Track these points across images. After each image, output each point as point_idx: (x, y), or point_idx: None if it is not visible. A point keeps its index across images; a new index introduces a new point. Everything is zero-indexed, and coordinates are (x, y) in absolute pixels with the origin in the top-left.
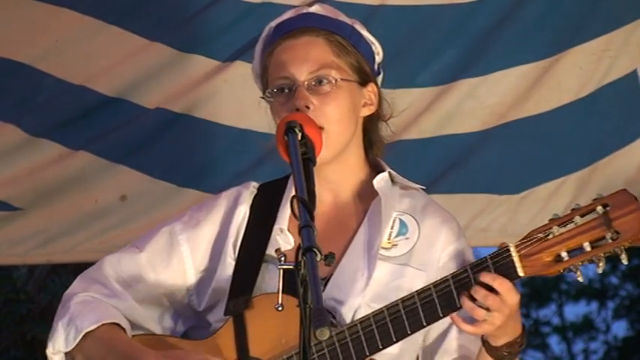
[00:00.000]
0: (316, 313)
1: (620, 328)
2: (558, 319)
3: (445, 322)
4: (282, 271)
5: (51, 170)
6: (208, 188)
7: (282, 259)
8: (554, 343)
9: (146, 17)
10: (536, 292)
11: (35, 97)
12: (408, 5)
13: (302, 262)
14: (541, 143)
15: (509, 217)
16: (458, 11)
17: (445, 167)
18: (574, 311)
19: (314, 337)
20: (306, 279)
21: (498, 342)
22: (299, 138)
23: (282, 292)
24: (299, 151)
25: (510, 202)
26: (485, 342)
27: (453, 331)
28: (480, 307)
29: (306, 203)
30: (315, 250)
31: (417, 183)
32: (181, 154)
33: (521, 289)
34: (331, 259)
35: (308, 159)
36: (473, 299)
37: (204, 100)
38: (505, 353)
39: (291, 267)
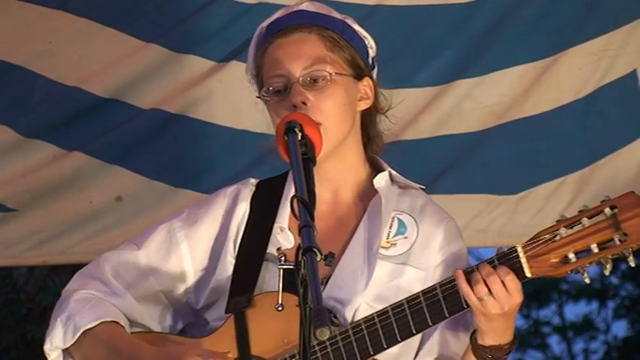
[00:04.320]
0: (316, 313)
1: (620, 328)
2: (558, 319)
3: None
4: (282, 270)
5: (45, 171)
6: (204, 189)
7: (282, 258)
8: (554, 343)
9: (140, 18)
10: (536, 292)
11: (29, 99)
12: (405, 5)
13: (302, 262)
14: (540, 143)
15: (508, 218)
16: (456, 11)
17: (443, 168)
18: (574, 311)
19: (314, 337)
20: (306, 279)
21: (486, 341)
22: (299, 138)
23: (286, 292)
24: (299, 151)
25: (509, 202)
26: (472, 338)
27: (440, 331)
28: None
29: (306, 203)
30: (315, 249)
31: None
32: (177, 155)
33: (522, 288)
34: (331, 259)
35: (308, 159)
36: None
37: (200, 101)
38: (489, 356)
39: (291, 267)
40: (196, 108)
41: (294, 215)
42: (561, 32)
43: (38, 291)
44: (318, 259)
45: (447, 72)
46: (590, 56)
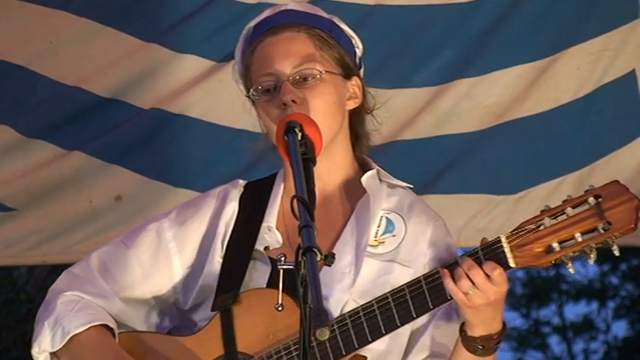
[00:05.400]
0: (316, 313)
1: (620, 328)
2: (558, 319)
3: (424, 318)
4: (282, 270)
5: (45, 171)
6: (204, 188)
7: (283, 258)
8: (554, 343)
9: (140, 18)
10: (536, 292)
11: (29, 98)
12: (404, 5)
13: (302, 262)
14: (539, 143)
15: (506, 218)
16: (455, 11)
17: (442, 167)
18: (574, 311)
19: (314, 337)
20: (306, 279)
21: (475, 332)
22: (299, 138)
23: (272, 289)
24: (299, 151)
25: (508, 202)
26: (462, 331)
27: (431, 328)
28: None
29: (306, 203)
30: (315, 250)
31: (409, 182)
32: (176, 155)
33: (521, 289)
34: (331, 260)
35: (308, 159)
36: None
37: (200, 101)
38: (480, 347)
39: (291, 267)
40: (196, 108)
41: (294, 215)
42: (560, 32)
43: (38, 291)
44: (318, 259)
45: (446, 72)
46: (589, 56)
